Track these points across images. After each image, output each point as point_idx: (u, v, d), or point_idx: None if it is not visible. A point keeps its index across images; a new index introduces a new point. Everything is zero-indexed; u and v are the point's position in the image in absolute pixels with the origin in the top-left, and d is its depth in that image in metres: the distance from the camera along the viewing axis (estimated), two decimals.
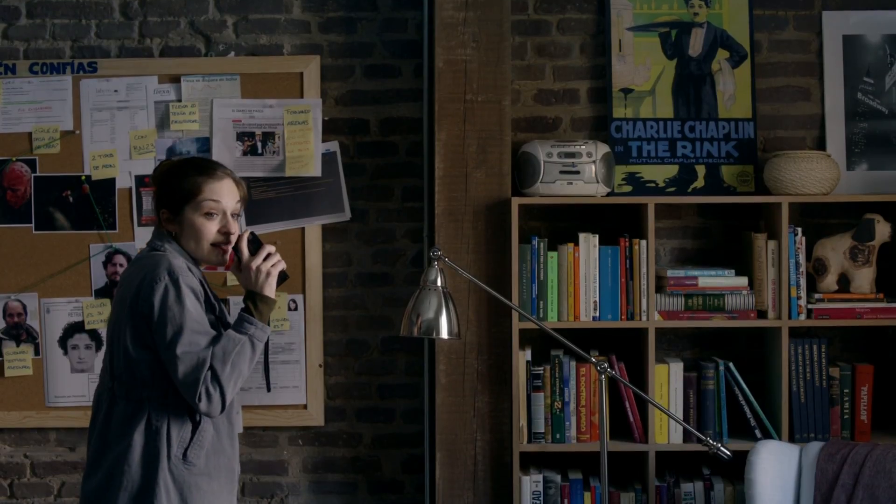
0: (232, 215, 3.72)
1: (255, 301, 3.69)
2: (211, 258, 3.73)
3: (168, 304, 3.55)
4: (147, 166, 5.01)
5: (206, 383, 3.52)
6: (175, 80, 5.07)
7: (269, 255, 3.72)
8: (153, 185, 3.78)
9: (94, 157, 5.05)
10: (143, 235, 5.01)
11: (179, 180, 3.69)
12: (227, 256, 3.72)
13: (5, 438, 5.17)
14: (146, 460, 3.56)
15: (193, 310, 3.56)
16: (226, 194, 3.71)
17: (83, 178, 5.06)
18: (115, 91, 5.08)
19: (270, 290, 3.71)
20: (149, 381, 3.59)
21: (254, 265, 3.69)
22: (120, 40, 5.13)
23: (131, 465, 3.54)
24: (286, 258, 5.03)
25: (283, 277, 3.75)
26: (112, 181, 5.05)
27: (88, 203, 5.06)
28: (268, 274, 3.70)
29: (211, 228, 3.69)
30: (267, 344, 3.80)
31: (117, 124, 5.06)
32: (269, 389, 3.96)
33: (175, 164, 3.76)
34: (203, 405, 3.54)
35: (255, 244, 3.72)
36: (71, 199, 5.06)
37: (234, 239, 3.70)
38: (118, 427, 3.60)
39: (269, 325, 3.70)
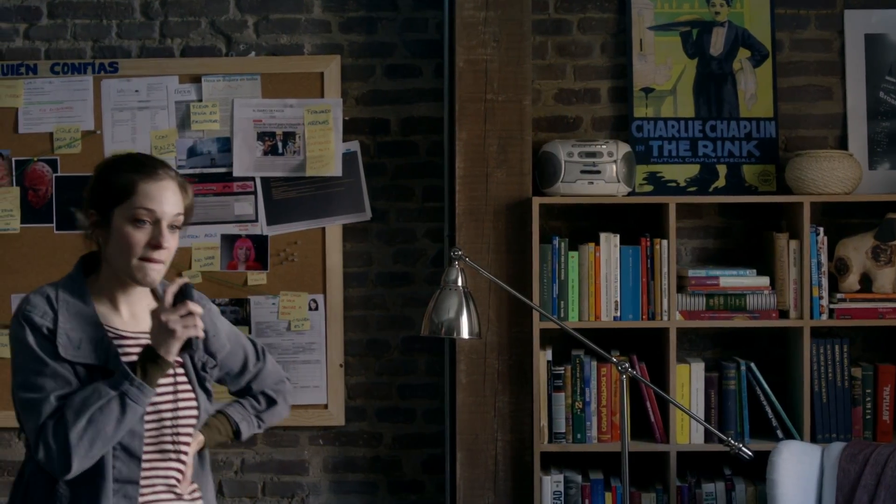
0: (170, 227, 3.11)
1: (147, 357, 3.04)
2: (135, 275, 3.11)
3: (13, 343, 3.08)
4: None
5: (47, 434, 2.97)
6: (196, 80, 5.08)
7: (188, 315, 3.04)
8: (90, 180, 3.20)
9: None
10: None
11: (112, 177, 3.12)
12: (151, 275, 3.11)
13: None
14: None
15: (39, 349, 3.02)
16: (164, 200, 3.10)
17: None
18: (136, 91, 5.09)
19: (167, 350, 3.03)
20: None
21: (163, 316, 3.03)
22: (141, 40, 5.13)
23: None
24: (307, 258, 5.03)
25: (187, 345, 3.08)
26: None
27: None
28: (172, 332, 3.02)
29: (139, 239, 3.08)
30: (238, 434, 3.39)
31: (138, 124, 5.07)
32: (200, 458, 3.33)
33: (113, 158, 3.21)
34: (41, 458, 2.99)
35: (184, 296, 3.07)
36: None
37: (165, 256, 3.12)
38: None
39: (154, 389, 3.04)
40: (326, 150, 5.05)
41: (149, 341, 3.06)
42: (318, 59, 5.09)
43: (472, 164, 4.82)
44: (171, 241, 3.12)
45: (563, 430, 4.79)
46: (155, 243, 3.09)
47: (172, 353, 3.05)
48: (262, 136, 5.07)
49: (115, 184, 3.10)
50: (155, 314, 3.05)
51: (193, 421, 3.22)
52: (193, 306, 3.05)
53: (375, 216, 5.11)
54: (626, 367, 4.13)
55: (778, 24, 5.07)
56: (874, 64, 5.04)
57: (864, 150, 5.01)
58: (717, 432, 4.21)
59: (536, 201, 4.75)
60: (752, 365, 4.83)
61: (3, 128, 5.09)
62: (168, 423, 3.16)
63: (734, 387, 4.80)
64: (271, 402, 3.55)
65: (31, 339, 3.04)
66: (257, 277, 5.06)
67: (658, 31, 5.05)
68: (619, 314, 4.78)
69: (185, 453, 3.20)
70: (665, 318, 4.76)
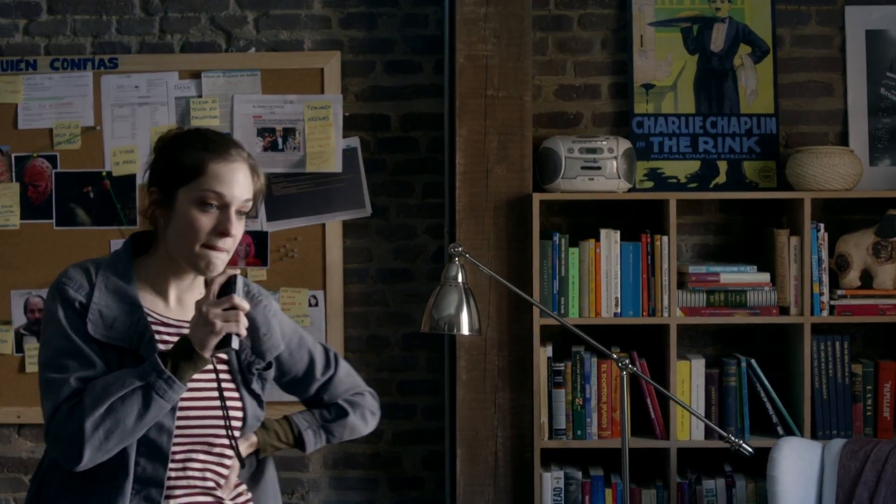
0: (238, 213, 2.87)
1: (181, 349, 2.79)
2: (196, 263, 2.86)
3: (45, 316, 2.87)
4: None
5: (60, 418, 2.75)
6: (196, 75, 5.08)
7: (230, 309, 2.78)
8: (151, 154, 2.97)
9: (115, 153, 5.06)
10: None
11: (180, 153, 2.87)
12: (214, 263, 2.86)
13: (27, 434, 5.19)
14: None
15: (67, 325, 2.80)
16: (235, 184, 2.86)
17: (104, 174, 5.06)
18: (136, 87, 5.08)
19: (203, 345, 2.77)
20: None
21: (205, 307, 2.77)
22: (140, 36, 5.13)
23: None
24: (307, 254, 5.02)
25: (226, 342, 2.79)
26: (133, 177, 5.06)
27: (109, 199, 5.06)
28: (211, 326, 2.76)
29: (204, 224, 2.83)
30: (228, 422, 2.93)
31: (138, 120, 5.06)
32: (242, 465, 3.02)
33: (181, 133, 2.95)
34: (51, 444, 2.79)
35: (230, 289, 2.83)
36: (92, 195, 5.06)
37: (231, 245, 2.87)
38: None
39: (184, 385, 2.78)
40: (326, 146, 5.04)
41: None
42: (318, 55, 5.09)
43: (473, 161, 4.81)
44: (238, 229, 2.87)
45: (564, 427, 4.79)
46: (221, 230, 2.84)
47: (208, 349, 2.77)
48: (262, 132, 5.06)
49: (182, 161, 2.85)
50: (198, 305, 2.80)
51: (237, 423, 2.96)
52: (238, 300, 2.79)
53: (375, 212, 5.11)
54: (626, 363, 4.11)
55: (779, 20, 5.06)
56: (875, 60, 5.03)
57: (865, 147, 5.00)
58: (717, 429, 4.20)
59: (537, 197, 4.75)
60: (753, 361, 4.83)
61: (2, 123, 5.08)
62: (208, 422, 2.90)
63: (734, 383, 4.80)
64: (342, 414, 3.22)
65: (61, 312, 2.81)
66: (257, 273, 5.05)
67: (658, 26, 5.05)
68: (619, 310, 4.78)
69: (228, 456, 2.96)
70: (665, 314, 4.75)
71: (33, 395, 5.05)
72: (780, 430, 4.79)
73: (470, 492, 4.83)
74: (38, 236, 5.07)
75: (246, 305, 2.80)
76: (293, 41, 5.12)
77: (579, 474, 4.82)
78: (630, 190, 4.86)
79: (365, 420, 3.27)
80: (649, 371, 4.80)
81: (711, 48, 5.04)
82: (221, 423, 2.92)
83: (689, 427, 4.78)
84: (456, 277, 4.27)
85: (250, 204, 2.91)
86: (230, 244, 2.87)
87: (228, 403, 2.93)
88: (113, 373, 2.77)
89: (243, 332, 2.79)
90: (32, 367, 5.06)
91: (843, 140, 5.04)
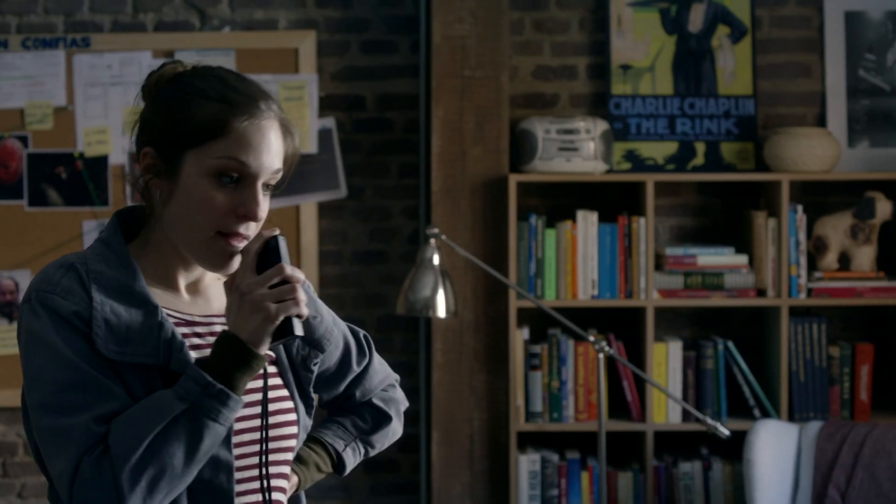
0: (264, 187, 2.09)
1: (226, 349, 2.01)
2: (206, 257, 2.09)
3: (26, 342, 2.05)
4: None
5: (84, 477, 1.96)
6: (169, 55, 5.02)
7: (281, 284, 2.01)
8: (143, 101, 2.19)
9: (88, 133, 5.01)
10: None
11: (189, 102, 2.08)
12: (230, 259, 2.10)
13: None
14: None
15: (65, 347, 2.00)
16: (265, 149, 2.06)
17: (76, 154, 5.01)
18: (109, 66, 5.03)
19: (256, 338, 2.00)
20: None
21: (245, 286, 2.01)
22: (113, 15, 5.07)
23: None
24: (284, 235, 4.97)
25: (286, 330, 2.02)
26: (105, 158, 5.01)
27: (81, 180, 5.01)
28: (263, 311, 1.99)
29: (220, 203, 2.05)
30: (265, 440, 2.16)
31: (111, 100, 5.01)
32: None
33: (189, 73, 2.14)
34: None
35: (272, 257, 2.04)
36: (64, 175, 5.01)
37: (254, 231, 2.09)
38: None
39: (241, 398, 2.02)
40: (301, 127, 5.00)
41: (226, 327, 2.05)
42: (292, 35, 5.04)
43: (449, 142, 4.78)
44: (264, 209, 2.09)
45: (540, 410, 4.77)
46: (244, 211, 2.06)
47: (264, 343, 2.01)
48: None
49: (192, 115, 2.06)
50: (234, 286, 2.04)
51: (292, 443, 2.22)
52: (290, 270, 2.02)
53: (351, 193, 5.07)
54: (603, 345, 4.10)
55: (757, 0, 5.03)
56: (854, 41, 5.01)
57: (844, 128, 4.99)
58: (694, 411, 4.18)
59: (513, 179, 4.72)
60: (730, 344, 4.81)
61: None
62: (254, 448, 2.15)
63: (711, 366, 4.78)
64: (382, 419, 2.48)
65: (52, 332, 2.01)
66: None
67: (637, 7, 5.01)
68: (596, 293, 4.75)
69: (282, 490, 2.22)
70: (643, 296, 4.73)
71: (3, 377, 5.02)
72: (756, 412, 4.78)
73: (445, 475, 4.80)
74: (9, 217, 5.02)
75: (301, 275, 2.03)
76: (268, 20, 5.08)
77: (556, 457, 4.80)
78: (607, 171, 4.83)
79: (401, 420, 2.55)
80: (626, 354, 4.78)
81: (690, 29, 5.01)
82: (279, 445, 2.19)
83: (665, 410, 4.76)
84: (432, 259, 4.25)
85: (280, 175, 2.11)
86: (253, 231, 2.09)
87: (280, 418, 2.19)
88: (141, 400, 2.01)
89: (306, 312, 2.03)
90: (3, 348, 5.01)
91: (821, 122, 5.02)
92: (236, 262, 2.09)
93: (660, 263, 4.79)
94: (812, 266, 4.83)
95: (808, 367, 4.77)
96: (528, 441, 4.90)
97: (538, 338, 4.85)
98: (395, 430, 2.52)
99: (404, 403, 2.57)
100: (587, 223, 4.75)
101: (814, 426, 4.54)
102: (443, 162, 4.78)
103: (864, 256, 4.80)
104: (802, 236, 4.74)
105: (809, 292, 4.76)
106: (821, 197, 4.99)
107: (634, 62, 5.00)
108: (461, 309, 4.74)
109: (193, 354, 2.08)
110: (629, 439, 4.93)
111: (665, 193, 5.01)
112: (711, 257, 4.77)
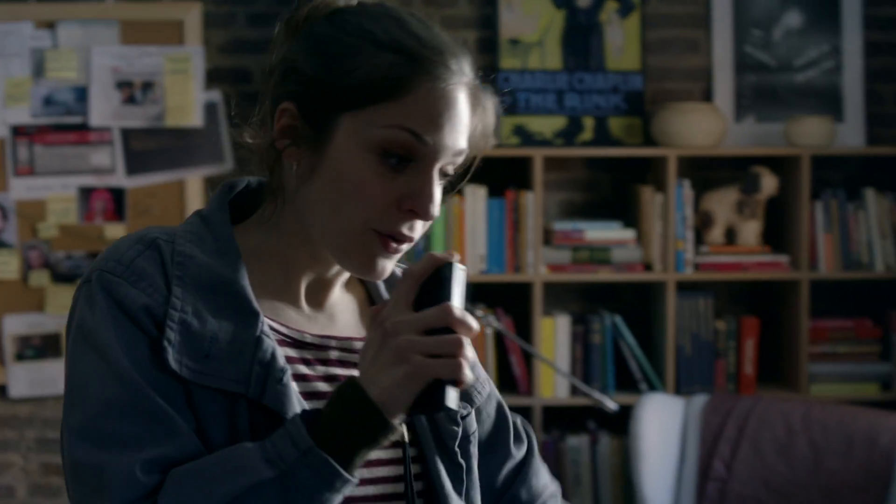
0: (440, 174, 1.56)
1: (347, 407, 1.43)
2: (351, 255, 1.56)
3: (72, 337, 1.53)
4: (22, 116, 4.85)
5: None
6: (51, 25, 4.91)
7: (444, 331, 1.44)
8: (274, 45, 1.68)
9: None
10: (18, 188, 4.85)
11: (354, 49, 1.56)
12: (382, 263, 1.57)
13: None
14: None
15: (124, 354, 1.46)
16: (447, 124, 1.55)
17: None
18: None
19: (394, 403, 1.42)
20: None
21: (391, 323, 1.45)
22: None
23: None
24: (167, 210, 4.90)
25: (435, 398, 1.42)
26: None
27: None
28: (409, 366, 1.41)
29: (380, 189, 1.53)
30: None
31: None
32: None
33: (357, 10, 1.63)
34: None
35: (440, 290, 1.48)
36: None
37: (421, 232, 1.57)
38: None
39: (355, 478, 1.43)
40: (187, 100, 4.92)
41: (355, 371, 1.52)
42: (177, 6, 4.95)
43: None
44: (437, 200, 1.55)
45: None
46: (412, 205, 1.54)
47: (399, 410, 1.44)
48: (120, 85, 4.92)
49: (360, 65, 1.54)
50: (378, 319, 1.47)
51: None
52: (462, 315, 1.45)
53: (238, 167, 5.00)
54: (490, 320, 4.09)
55: None
56: (741, 17, 5.03)
57: (731, 104, 5.01)
58: (581, 385, 4.20)
59: None
60: (618, 318, 4.83)
61: None
62: None
63: (599, 340, 4.79)
64: None
65: (109, 330, 1.48)
66: (115, 230, 4.92)
67: None
68: (484, 267, 4.74)
69: None
70: (531, 271, 4.72)
71: None
72: (643, 386, 4.80)
73: None
74: None
75: (475, 325, 1.47)
76: None
77: None
78: (496, 146, 4.80)
79: None
80: (515, 328, 4.78)
81: (578, 4, 5.00)
82: None
83: (553, 384, 4.76)
84: None
85: (461, 159, 1.59)
86: (419, 232, 1.57)
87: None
88: (217, 452, 1.46)
89: (469, 378, 1.44)
90: None
91: (708, 97, 5.04)
92: (389, 267, 1.58)
93: (548, 238, 4.79)
94: (699, 240, 4.85)
95: (695, 341, 4.81)
96: None
97: None
98: None
99: None
100: (475, 198, 4.73)
101: (700, 400, 4.58)
102: None
103: (750, 231, 4.83)
104: (689, 211, 4.76)
105: (696, 267, 4.78)
106: (708, 172, 5.01)
107: (523, 36, 4.98)
108: None
109: (295, 388, 1.52)
110: (517, 413, 4.92)
111: (553, 168, 5.00)
112: (599, 232, 4.78)
